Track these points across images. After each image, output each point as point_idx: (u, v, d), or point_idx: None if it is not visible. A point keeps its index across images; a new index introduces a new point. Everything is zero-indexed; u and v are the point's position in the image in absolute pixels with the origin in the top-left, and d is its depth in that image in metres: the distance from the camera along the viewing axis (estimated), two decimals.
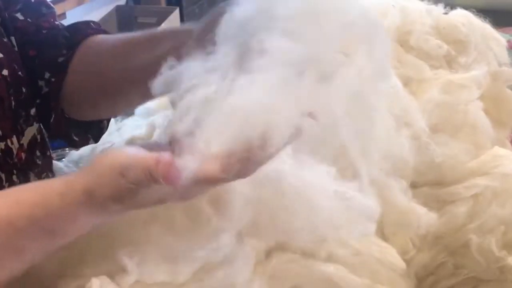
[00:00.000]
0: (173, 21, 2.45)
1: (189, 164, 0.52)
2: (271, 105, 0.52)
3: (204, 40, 0.61)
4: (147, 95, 0.66)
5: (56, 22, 0.87)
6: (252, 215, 0.60)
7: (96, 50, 0.83)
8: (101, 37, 0.85)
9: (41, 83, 0.83)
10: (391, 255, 0.69)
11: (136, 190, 0.56)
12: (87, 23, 0.87)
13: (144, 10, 2.61)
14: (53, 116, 0.85)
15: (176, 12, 2.51)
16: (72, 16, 2.29)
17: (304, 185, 0.59)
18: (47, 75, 0.83)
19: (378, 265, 0.66)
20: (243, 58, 0.55)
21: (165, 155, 0.54)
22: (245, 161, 0.53)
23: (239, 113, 0.52)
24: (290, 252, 0.65)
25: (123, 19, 2.54)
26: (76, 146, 0.90)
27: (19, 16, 0.84)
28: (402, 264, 0.69)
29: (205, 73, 0.55)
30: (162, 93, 0.61)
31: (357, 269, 0.65)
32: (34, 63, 0.83)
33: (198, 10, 3.15)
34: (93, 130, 0.89)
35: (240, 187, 0.59)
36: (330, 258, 0.65)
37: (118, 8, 2.56)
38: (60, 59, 0.83)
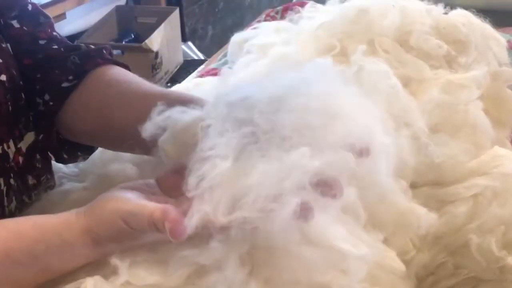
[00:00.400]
0: (173, 21, 2.45)
1: (193, 223, 0.55)
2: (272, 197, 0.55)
3: None
4: (148, 151, 0.69)
5: (54, 33, 0.86)
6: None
7: (103, 90, 0.81)
8: (112, 73, 0.83)
9: (39, 100, 0.82)
10: (391, 258, 0.69)
11: (137, 235, 0.59)
12: (99, 51, 0.84)
13: (144, 10, 2.61)
14: (42, 136, 0.84)
15: (176, 12, 2.51)
16: (72, 16, 2.29)
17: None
18: (46, 97, 0.82)
19: (378, 269, 0.66)
20: (256, 138, 0.59)
21: (171, 209, 0.56)
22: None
23: (248, 193, 0.55)
24: None
25: (123, 19, 2.54)
26: (64, 162, 0.89)
27: (15, 23, 0.82)
28: (402, 267, 0.69)
29: (220, 145, 0.58)
30: (152, 137, 0.65)
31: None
32: (33, 77, 0.82)
33: (198, 10, 3.15)
34: (85, 150, 0.89)
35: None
36: None
37: (118, 8, 2.56)
38: (65, 84, 0.81)
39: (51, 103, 0.81)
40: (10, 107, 0.77)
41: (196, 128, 0.62)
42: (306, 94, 0.61)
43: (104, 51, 0.84)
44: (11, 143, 0.77)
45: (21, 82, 0.79)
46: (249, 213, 0.55)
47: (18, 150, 0.78)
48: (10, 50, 0.80)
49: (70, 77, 0.81)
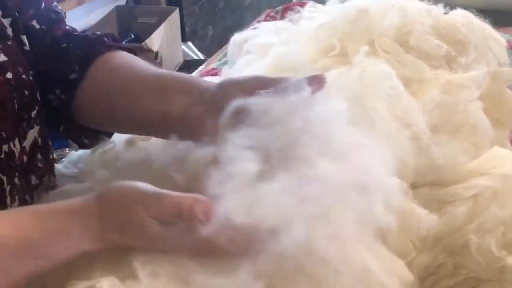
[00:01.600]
0: (173, 21, 2.45)
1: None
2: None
3: (217, 107, 0.66)
4: (158, 135, 0.71)
5: (67, 27, 0.87)
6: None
7: (108, 79, 0.82)
8: (116, 59, 0.84)
9: (51, 97, 0.84)
10: (400, 267, 0.69)
11: (149, 227, 0.57)
12: (100, 39, 0.86)
13: (144, 10, 2.61)
14: (62, 126, 0.86)
15: (176, 12, 2.52)
16: (72, 16, 2.29)
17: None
18: (57, 91, 0.84)
19: (387, 279, 0.65)
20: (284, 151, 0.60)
21: (201, 196, 0.57)
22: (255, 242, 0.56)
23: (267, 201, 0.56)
24: None
25: (123, 19, 2.54)
26: (86, 148, 0.91)
27: (35, 24, 0.84)
28: (411, 277, 0.69)
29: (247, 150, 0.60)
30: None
31: (367, 284, 0.64)
32: (44, 78, 0.83)
33: (198, 10, 3.15)
34: (105, 133, 0.89)
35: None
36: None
37: (118, 8, 2.56)
38: (72, 76, 0.83)
39: (63, 96, 0.83)
40: (16, 105, 0.77)
41: (208, 159, 0.62)
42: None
43: (106, 38, 0.85)
44: (16, 142, 0.77)
45: (23, 76, 0.79)
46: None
47: (22, 149, 0.78)
48: (25, 42, 0.81)
49: (76, 68, 0.83)
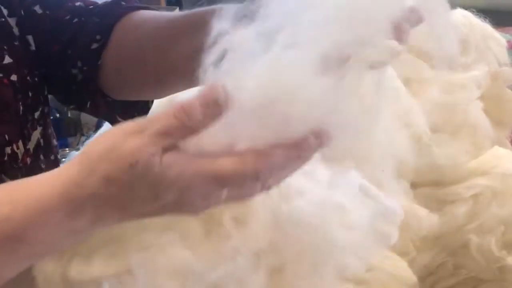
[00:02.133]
0: None
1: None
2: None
3: None
4: (191, 85, 0.62)
5: (77, 4, 0.82)
6: (271, 238, 0.56)
7: (133, 36, 0.78)
8: (137, 17, 0.79)
9: (74, 71, 0.80)
10: (403, 268, 0.69)
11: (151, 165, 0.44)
12: (117, 3, 0.81)
13: None
14: (89, 102, 0.82)
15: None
16: None
17: (324, 216, 0.56)
18: (79, 63, 0.79)
19: (391, 280, 0.66)
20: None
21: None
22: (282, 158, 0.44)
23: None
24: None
25: None
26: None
27: (38, 9, 0.80)
28: (413, 278, 0.69)
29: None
30: None
31: (370, 284, 0.64)
32: (63, 55, 0.79)
33: None
34: (139, 109, 0.83)
35: (262, 208, 0.56)
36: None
37: None
38: (94, 46, 0.79)
39: (85, 68, 0.79)
40: (20, 107, 0.77)
41: None
42: None
43: (123, 2, 0.81)
44: (20, 144, 0.76)
45: (35, 79, 0.78)
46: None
47: (26, 151, 0.78)
48: (31, 42, 0.79)
49: (98, 37, 0.79)
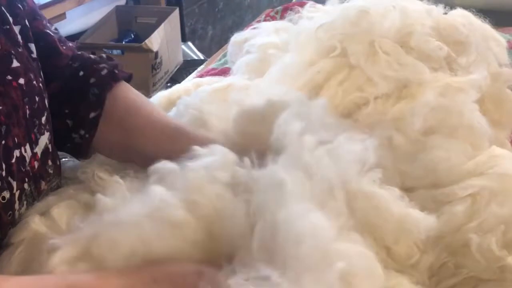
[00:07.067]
0: (173, 21, 2.45)
1: None
2: None
3: None
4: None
5: (46, 30, 0.88)
6: None
7: (122, 118, 0.87)
8: (122, 96, 0.88)
9: (75, 135, 0.88)
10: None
11: None
12: (111, 72, 0.89)
13: (144, 10, 2.61)
14: (82, 157, 0.90)
15: (176, 12, 2.51)
16: (72, 16, 2.29)
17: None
18: (81, 131, 0.88)
19: None
20: None
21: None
22: None
23: None
24: None
25: (123, 19, 2.54)
26: None
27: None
28: None
29: None
30: None
31: None
32: (57, 102, 0.86)
33: (198, 10, 3.15)
34: None
35: None
36: None
37: (118, 8, 2.56)
38: (92, 115, 0.87)
39: (87, 136, 0.88)
40: (27, 111, 0.77)
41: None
42: None
43: (116, 71, 0.90)
44: (27, 147, 0.77)
45: (34, 82, 0.79)
46: None
47: (34, 155, 0.78)
48: (33, 50, 0.82)
49: (95, 107, 0.87)
